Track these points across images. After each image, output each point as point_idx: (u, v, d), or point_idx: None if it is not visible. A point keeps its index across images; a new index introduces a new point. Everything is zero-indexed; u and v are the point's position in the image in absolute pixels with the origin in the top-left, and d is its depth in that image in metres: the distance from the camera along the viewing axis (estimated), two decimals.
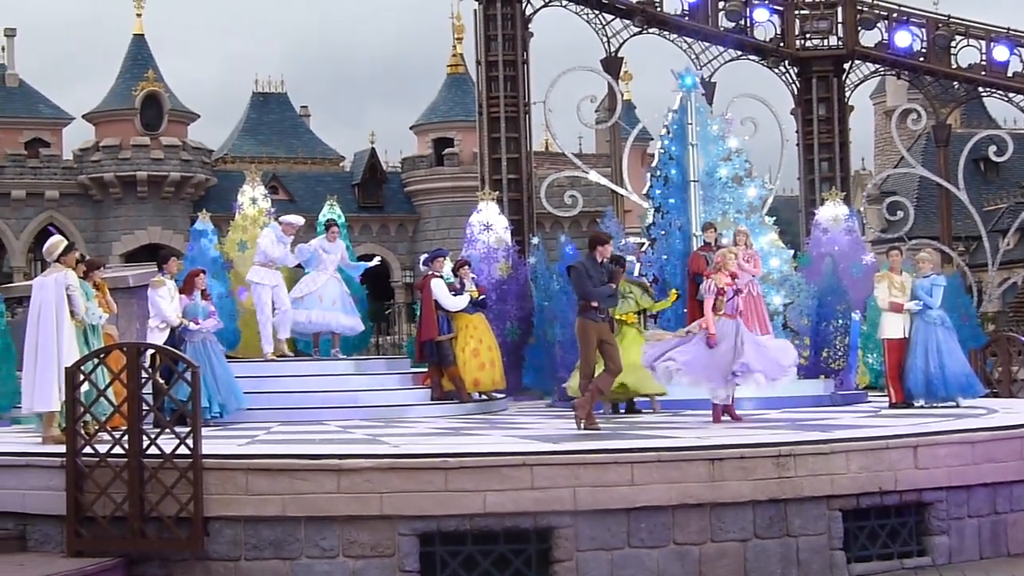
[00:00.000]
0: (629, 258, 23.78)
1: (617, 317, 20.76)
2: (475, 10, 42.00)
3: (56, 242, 16.95)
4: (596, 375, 18.18)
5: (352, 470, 13.74)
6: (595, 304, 18.02)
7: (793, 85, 44.80)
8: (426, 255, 24.23)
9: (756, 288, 23.02)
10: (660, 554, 14.05)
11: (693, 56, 42.87)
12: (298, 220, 23.86)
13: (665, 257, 23.80)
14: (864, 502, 14.86)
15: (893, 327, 21.59)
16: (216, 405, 20.02)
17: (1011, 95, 45.17)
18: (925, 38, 44.30)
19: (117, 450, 14.03)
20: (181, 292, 20.68)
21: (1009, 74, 44.34)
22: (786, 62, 44.38)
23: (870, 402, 23.60)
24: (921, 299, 21.29)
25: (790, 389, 22.81)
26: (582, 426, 17.63)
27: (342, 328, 24.23)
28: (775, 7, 43.80)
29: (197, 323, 20.36)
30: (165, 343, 19.05)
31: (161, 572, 14.01)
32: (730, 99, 31.40)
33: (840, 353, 24.47)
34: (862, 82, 45.92)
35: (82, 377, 14.63)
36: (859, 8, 44.04)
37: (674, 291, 22.54)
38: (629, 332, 21.33)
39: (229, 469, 13.92)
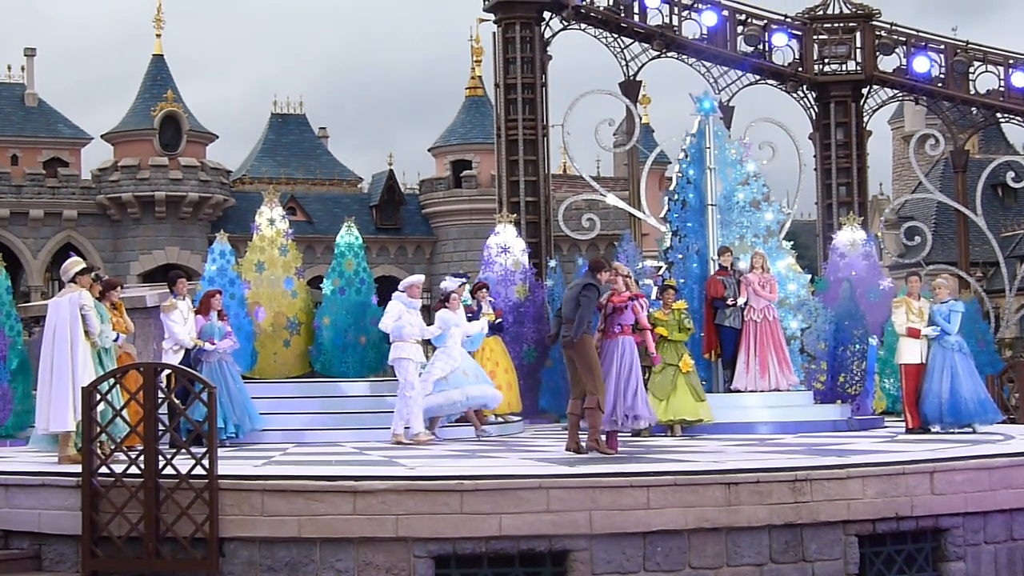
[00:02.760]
0: (646, 282, 23.80)
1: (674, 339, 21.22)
2: (494, 33, 42.15)
3: (72, 262, 17.04)
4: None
5: (368, 492, 13.72)
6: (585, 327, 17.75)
7: (811, 110, 44.87)
8: (450, 281, 23.62)
9: (773, 313, 23.02)
10: None
11: (711, 80, 42.98)
12: (419, 278, 21.90)
13: (682, 281, 23.75)
14: (880, 527, 14.82)
15: (910, 352, 21.58)
16: (231, 426, 20.05)
17: None
18: (944, 64, 44.35)
19: (133, 470, 14.04)
20: (197, 313, 20.70)
21: None
22: (804, 87, 44.46)
23: (887, 427, 23.56)
24: (939, 325, 21.27)
25: (807, 414, 22.81)
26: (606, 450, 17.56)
27: (496, 402, 22.44)
28: (794, 32, 43.90)
29: (212, 343, 20.40)
30: (180, 364, 19.07)
31: None
32: (748, 123, 31.27)
33: (857, 378, 24.43)
34: (880, 107, 46.00)
35: (99, 397, 14.65)
36: (878, 33, 44.11)
37: None
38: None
39: (245, 490, 13.91)
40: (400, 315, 20.78)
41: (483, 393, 21.82)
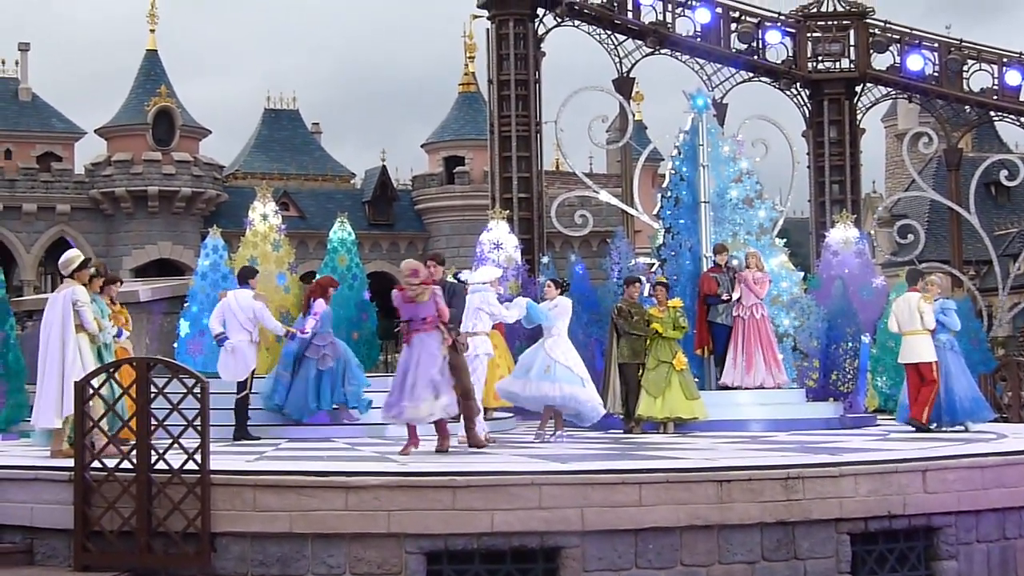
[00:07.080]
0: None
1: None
2: (487, 29, 42.16)
3: (72, 256, 16.92)
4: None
5: (360, 487, 13.71)
6: None
7: (805, 107, 44.92)
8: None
9: (761, 310, 23.00)
10: None
11: (705, 77, 43.00)
12: (499, 271, 21.12)
13: (675, 278, 23.75)
14: (873, 526, 14.82)
15: (932, 350, 21.07)
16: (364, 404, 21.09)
17: (1023, 120, 45.21)
18: (937, 62, 44.41)
19: (125, 465, 14.03)
20: (319, 298, 20.80)
21: (1021, 99, 44.45)
22: (798, 84, 44.51)
23: (879, 425, 23.55)
24: (943, 323, 21.12)
25: (799, 411, 22.81)
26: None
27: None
28: (787, 29, 43.93)
29: (303, 332, 20.60)
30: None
31: None
32: (741, 120, 31.34)
33: (849, 376, 24.44)
34: (874, 105, 46.09)
35: (91, 391, 14.62)
36: (871, 31, 44.15)
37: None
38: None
39: (237, 485, 13.90)
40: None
41: (574, 394, 19.99)
